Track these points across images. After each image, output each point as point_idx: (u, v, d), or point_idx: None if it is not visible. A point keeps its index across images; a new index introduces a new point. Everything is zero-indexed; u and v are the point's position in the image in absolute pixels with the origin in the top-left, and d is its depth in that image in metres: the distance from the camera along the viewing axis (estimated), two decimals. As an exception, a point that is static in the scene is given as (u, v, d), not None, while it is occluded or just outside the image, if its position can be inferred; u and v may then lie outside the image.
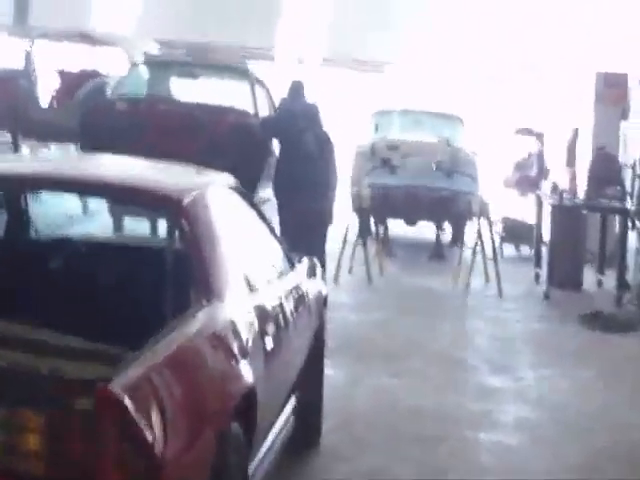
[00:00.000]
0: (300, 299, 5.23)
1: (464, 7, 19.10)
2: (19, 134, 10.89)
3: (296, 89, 9.94)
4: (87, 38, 12.83)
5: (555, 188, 12.19)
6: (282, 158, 9.53)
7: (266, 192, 10.30)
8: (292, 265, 5.36)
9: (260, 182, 9.97)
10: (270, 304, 4.49)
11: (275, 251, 5.15)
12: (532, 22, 18.68)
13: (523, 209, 15.38)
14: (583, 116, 14.95)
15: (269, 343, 4.21)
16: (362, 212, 12.29)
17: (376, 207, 12.56)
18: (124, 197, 4.30)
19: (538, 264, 12.40)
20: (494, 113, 17.85)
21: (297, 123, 9.50)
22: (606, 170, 12.46)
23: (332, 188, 9.80)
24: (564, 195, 11.77)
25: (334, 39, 18.85)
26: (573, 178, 14.01)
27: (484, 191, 13.91)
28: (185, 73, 10.67)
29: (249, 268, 4.47)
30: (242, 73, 10.41)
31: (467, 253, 12.15)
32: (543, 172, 16.33)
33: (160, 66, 10.75)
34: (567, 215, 11.73)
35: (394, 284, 11.96)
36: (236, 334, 3.77)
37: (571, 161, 15.16)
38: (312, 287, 5.70)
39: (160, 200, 4.07)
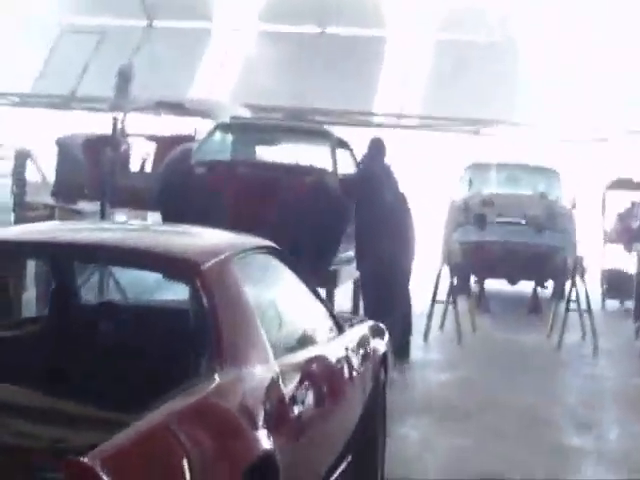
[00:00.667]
0: (346, 362, 5.19)
1: (565, 65, 18.89)
2: (107, 202, 11.08)
3: (376, 147, 9.95)
4: (179, 109, 13.07)
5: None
6: (362, 217, 9.53)
7: (347, 253, 10.30)
8: (340, 329, 5.34)
9: (341, 242, 9.95)
10: (303, 368, 4.47)
11: (317, 316, 5.12)
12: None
13: (627, 261, 15.00)
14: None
15: (296, 408, 4.18)
16: (453, 269, 12.19)
17: (467, 264, 12.43)
18: (141, 262, 4.33)
19: (638, 318, 12.06)
20: (593, 166, 17.49)
21: (377, 182, 9.53)
22: None
23: (411, 248, 9.76)
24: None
25: (430, 100, 18.88)
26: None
27: (581, 245, 13.66)
28: (265, 135, 10.78)
29: (282, 333, 4.48)
30: (323, 135, 10.46)
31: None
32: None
33: (240, 128, 10.87)
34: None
35: (485, 341, 11.78)
36: (247, 400, 3.76)
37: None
38: (365, 349, 5.65)
39: (176, 265, 4.11)
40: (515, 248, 12.88)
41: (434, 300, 11.70)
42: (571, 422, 8.14)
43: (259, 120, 11.82)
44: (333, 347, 5.10)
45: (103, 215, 11.38)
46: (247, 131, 10.88)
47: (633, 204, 16.71)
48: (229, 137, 10.84)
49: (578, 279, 11.85)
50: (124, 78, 20.47)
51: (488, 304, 13.85)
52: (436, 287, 11.71)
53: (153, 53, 20.81)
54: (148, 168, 12.78)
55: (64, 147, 12.58)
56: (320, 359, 4.80)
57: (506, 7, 17.67)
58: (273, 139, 10.87)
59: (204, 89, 20.48)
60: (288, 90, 19.68)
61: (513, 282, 14.94)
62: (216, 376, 3.68)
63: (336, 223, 9.71)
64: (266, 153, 10.89)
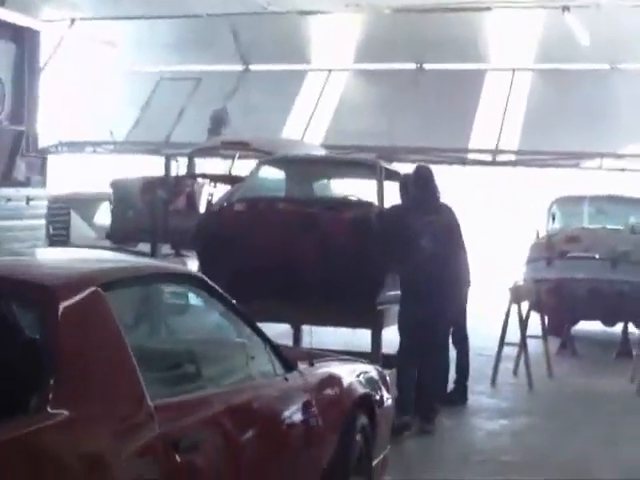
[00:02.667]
0: (280, 404, 4.56)
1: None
2: (158, 244, 10.80)
3: (422, 177, 9.16)
4: (244, 148, 12.72)
5: None
6: (398, 255, 8.78)
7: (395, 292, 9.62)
8: (289, 367, 4.74)
9: (385, 280, 9.27)
10: (201, 410, 3.88)
11: (245, 352, 4.52)
12: None
13: None
14: None
15: (182, 457, 3.59)
16: (530, 308, 11.37)
17: (539, 303, 11.56)
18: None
19: None
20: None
21: (417, 215, 8.77)
22: None
23: (459, 286, 9.02)
24: None
25: (528, 134, 18.05)
26: None
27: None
28: (311, 170, 10.23)
29: (181, 371, 3.92)
30: (369, 166, 9.84)
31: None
32: None
33: (285, 164, 10.38)
34: None
35: (559, 387, 10.89)
36: (85, 443, 3.21)
37: None
38: (327, 391, 5.02)
39: (25, 291, 3.57)
40: (591, 286, 11.93)
41: (502, 341, 10.93)
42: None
43: (305, 155, 11.27)
44: (260, 386, 4.49)
45: (153, 255, 11.11)
46: (292, 166, 10.36)
47: None
48: (274, 174, 10.38)
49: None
50: (217, 122, 20.58)
51: (574, 347, 12.92)
52: (504, 327, 10.94)
53: (248, 97, 20.67)
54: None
55: (119, 189, 12.40)
56: (235, 400, 4.18)
57: (607, 33, 16.69)
58: (319, 173, 10.32)
59: (297, 130, 20.16)
60: (381, 129, 19.15)
61: (606, 323, 13.98)
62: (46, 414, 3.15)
63: (379, 259, 9.04)
64: (313, 188, 10.33)
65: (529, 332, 11.18)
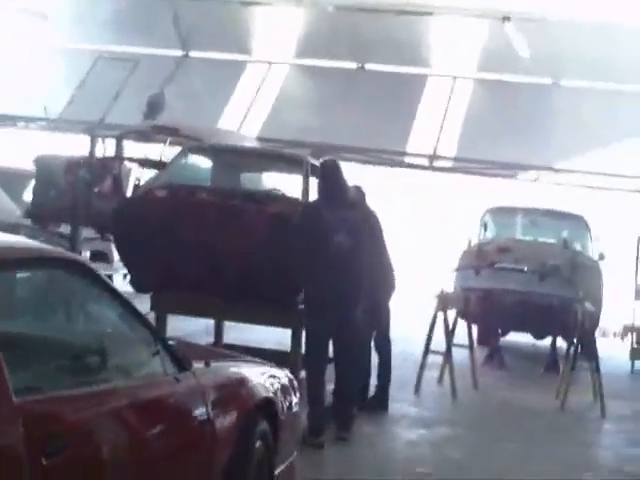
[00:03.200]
0: (164, 405, 4.18)
1: (610, 110, 17.67)
2: (79, 226, 10.31)
3: (329, 171, 8.18)
4: (174, 134, 12.23)
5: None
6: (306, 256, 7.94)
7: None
8: (182, 366, 4.34)
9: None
10: (72, 408, 3.47)
11: (128, 348, 4.12)
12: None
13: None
14: None
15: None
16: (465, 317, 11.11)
17: (466, 312, 11.32)
18: None
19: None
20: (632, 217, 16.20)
21: (330, 210, 8.17)
22: None
23: (379, 287, 8.71)
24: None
25: (466, 142, 17.84)
26: None
27: (606, 299, 12.47)
28: (238, 160, 9.83)
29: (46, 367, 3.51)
30: (296, 161, 9.45)
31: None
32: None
33: (212, 153, 9.98)
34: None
35: (484, 399, 10.69)
36: None
37: None
38: (221, 393, 4.64)
39: None
40: (520, 298, 11.73)
41: (427, 349, 10.66)
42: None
43: (231, 145, 10.85)
44: (143, 385, 4.08)
45: (73, 238, 10.64)
46: (217, 155, 9.96)
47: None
48: (200, 162, 9.97)
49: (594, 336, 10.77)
50: (153, 107, 20.02)
51: (502, 358, 12.71)
52: (429, 335, 10.67)
53: (186, 83, 20.19)
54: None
55: (43, 166, 11.86)
56: (113, 399, 3.76)
57: (550, 47, 16.55)
58: (245, 165, 9.91)
59: (234, 121, 19.72)
60: (319, 126, 18.82)
61: (535, 336, 13.86)
62: None
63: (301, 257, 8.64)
64: (239, 179, 9.92)
65: (457, 341, 10.95)
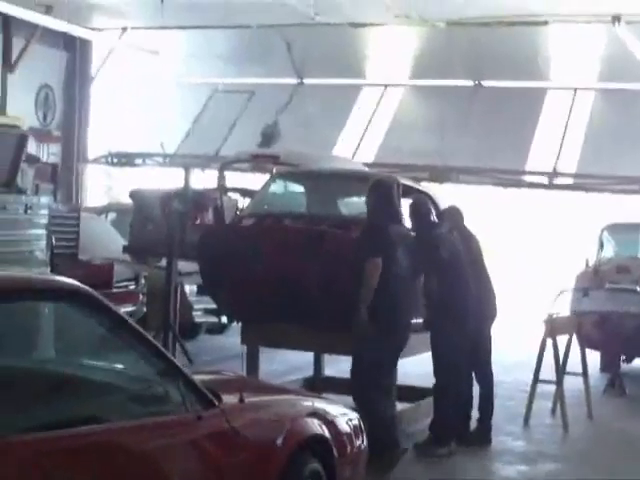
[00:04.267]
0: (183, 450, 3.83)
1: None
2: (173, 259, 10.14)
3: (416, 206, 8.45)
4: (275, 161, 12.01)
5: None
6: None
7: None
8: (207, 403, 4.00)
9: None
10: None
11: (131, 382, 3.81)
12: None
13: None
14: None
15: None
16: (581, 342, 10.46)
17: (586, 338, 10.66)
18: None
19: None
20: None
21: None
22: None
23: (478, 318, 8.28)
24: None
25: (586, 157, 17.05)
26: None
27: None
28: (323, 184, 9.46)
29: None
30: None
31: None
32: None
33: (297, 178, 9.66)
34: None
35: (598, 430, 9.97)
36: None
37: None
38: (258, 431, 4.28)
39: None
40: (635, 321, 10.95)
41: (536, 378, 10.04)
42: None
43: (319, 169, 10.47)
44: (153, 425, 3.75)
45: (168, 272, 10.48)
46: (308, 180, 9.63)
47: None
48: (291, 187, 9.67)
49: None
50: (268, 137, 19.99)
51: (624, 386, 11.92)
52: (538, 363, 10.05)
53: (301, 110, 20.06)
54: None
55: (139, 200, 11.79)
56: (111, 440, 3.45)
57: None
58: (334, 188, 9.52)
59: (350, 146, 19.45)
60: (435, 148, 18.34)
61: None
62: None
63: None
64: (327, 203, 9.56)
65: (572, 368, 10.32)
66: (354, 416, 5.36)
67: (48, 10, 17.60)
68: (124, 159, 21.33)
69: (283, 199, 9.51)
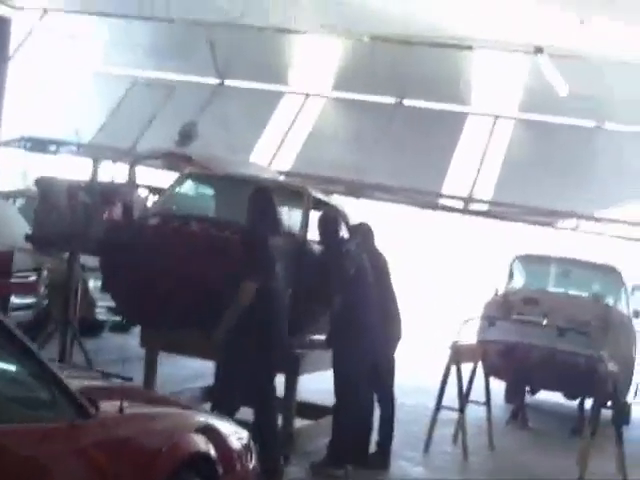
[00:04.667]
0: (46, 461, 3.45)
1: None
2: (77, 252, 9.64)
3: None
4: (186, 162, 11.62)
5: None
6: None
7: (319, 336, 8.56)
8: (83, 413, 3.63)
9: (303, 322, 8.19)
10: None
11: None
12: None
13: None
14: None
15: None
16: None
17: (491, 367, 10.50)
18: None
19: None
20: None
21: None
22: None
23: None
24: None
25: (502, 185, 17.01)
26: None
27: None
28: (235, 190, 9.11)
29: None
30: (297, 194, 8.72)
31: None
32: None
33: (211, 181, 9.32)
34: None
35: (497, 461, 9.85)
36: None
37: None
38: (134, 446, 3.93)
39: None
40: (544, 354, 10.86)
41: (439, 405, 9.83)
42: None
43: (229, 174, 10.11)
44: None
45: (70, 265, 9.97)
46: (215, 184, 9.31)
47: None
48: (199, 190, 9.32)
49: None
50: (185, 136, 19.51)
51: (526, 418, 11.83)
52: (441, 390, 9.85)
53: (221, 112, 19.66)
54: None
55: (45, 189, 11.22)
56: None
57: (594, 89, 15.70)
58: (240, 195, 9.19)
59: (268, 153, 19.10)
60: (354, 162, 18.12)
61: (565, 396, 13.00)
62: None
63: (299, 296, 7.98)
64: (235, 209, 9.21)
65: (476, 397, 10.15)
66: (245, 435, 5.06)
67: (-35, -16, 16.96)
68: (37, 145, 20.57)
69: (191, 201, 9.16)
